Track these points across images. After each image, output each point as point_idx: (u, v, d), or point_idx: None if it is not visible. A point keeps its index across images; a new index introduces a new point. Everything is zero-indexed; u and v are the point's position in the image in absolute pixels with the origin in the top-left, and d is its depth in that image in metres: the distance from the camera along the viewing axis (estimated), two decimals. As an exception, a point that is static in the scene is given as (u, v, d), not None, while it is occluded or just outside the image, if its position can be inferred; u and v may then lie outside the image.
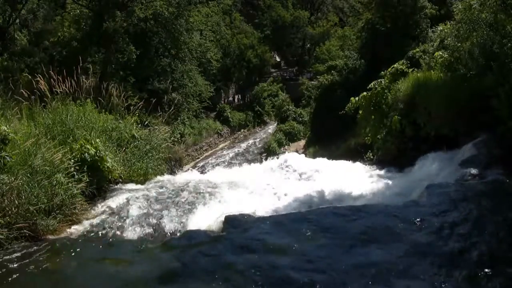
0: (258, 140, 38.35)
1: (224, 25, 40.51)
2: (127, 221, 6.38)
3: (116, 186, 7.57)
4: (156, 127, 10.09)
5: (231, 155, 33.58)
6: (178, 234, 6.05)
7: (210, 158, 32.38)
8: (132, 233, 6.14)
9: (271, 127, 41.23)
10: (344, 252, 4.61)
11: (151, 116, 11.93)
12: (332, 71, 26.45)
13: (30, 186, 5.68)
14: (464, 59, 9.15)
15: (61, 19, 22.90)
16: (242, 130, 40.69)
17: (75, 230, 6.02)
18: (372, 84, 12.73)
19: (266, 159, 14.89)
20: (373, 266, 4.24)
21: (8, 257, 4.87)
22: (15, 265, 4.70)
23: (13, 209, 5.31)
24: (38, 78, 8.10)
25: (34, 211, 5.53)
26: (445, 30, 11.82)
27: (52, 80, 8.29)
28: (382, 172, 9.67)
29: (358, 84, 17.24)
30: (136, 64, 21.56)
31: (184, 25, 24.32)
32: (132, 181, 7.91)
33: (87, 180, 6.73)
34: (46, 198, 5.79)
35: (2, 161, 5.58)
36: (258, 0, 54.22)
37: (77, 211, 6.28)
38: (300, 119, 37.11)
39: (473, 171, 6.88)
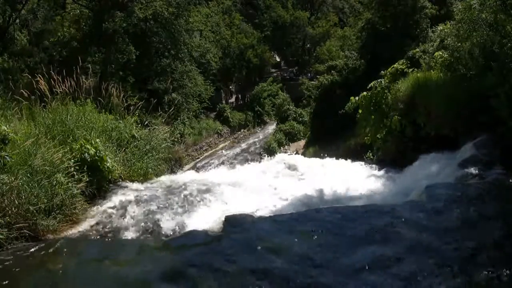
0: (258, 140, 38.34)
1: (224, 26, 40.54)
2: (127, 221, 6.38)
3: (116, 186, 7.56)
4: (156, 127, 10.08)
5: (231, 155, 33.58)
6: (178, 234, 6.05)
7: (210, 158, 32.38)
8: (132, 233, 6.14)
9: (271, 127, 41.22)
10: (343, 252, 4.60)
11: (151, 116, 11.93)
12: (332, 71, 26.48)
13: (30, 186, 5.67)
14: (464, 59, 9.14)
15: (61, 19, 22.94)
16: (242, 130, 40.70)
17: (75, 230, 6.03)
18: (372, 84, 12.73)
19: (266, 159, 14.87)
20: (373, 266, 4.24)
21: (8, 257, 4.87)
22: (15, 265, 4.70)
23: (13, 209, 5.31)
24: (38, 78, 8.10)
25: (34, 211, 5.52)
26: (445, 30, 11.81)
27: (52, 80, 8.29)
28: (382, 172, 9.67)
29: (358, 84, 17.25)
30: (136, 64, 21.60)
31: (184, 25, 24.37)
32: (132, 181, 7.90)
33: (87, 180, 6.72)
34: (46, 198, 5.79)
35: (2, 161, 5.58)
36: (258, 0, 54.22)
37: (77, 211, 6.28)
38: (300, 119, 37.13)
39: (473, 171, 6.87)
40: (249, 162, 19.91)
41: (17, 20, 21.08)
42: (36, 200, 5.62)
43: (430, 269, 4.16)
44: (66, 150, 6.81)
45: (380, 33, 23.39)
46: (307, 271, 4.25)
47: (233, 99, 44.05)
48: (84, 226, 6.14)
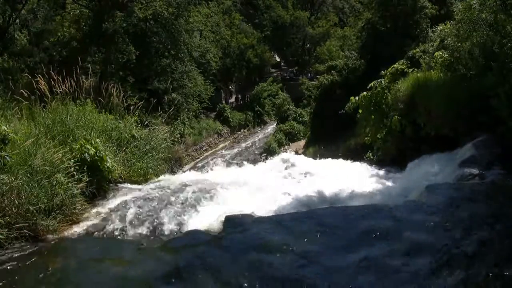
0: (258, 140, 38.36)
1: (224, 26, 40.54)
2: (127, 221, 6.38)
3: (116, 186, 7.56)
4: (156, 127, 10.08)
5: (231, 155, 33.59)
6: (178, 234, 6.05)
7: (210, 158, 32.39)
8: (132, 233, 6.14)
9: (271, 127, 41.24)
10: (344, 252, 4.61)
11: (151, 116, 11.94)
12: (332, 71, 26.48)
13: (30, 186, 5.67)
14: (464, 59, 9.15)
15: (61, 19, 22.92)
16: (242, 130, 40.70)
17: (75, 230, 6.02)
18: (372, 84, 12.75)
19: (266, 159, 14.90)
20: (373, 266, 4.24)
21: (8, 257, 4.87)
22: (15, 265, 4.70)
23: (13, 209, 5.31)
24: (38, 78, 8.10)
25: (34, 211, 5.52)
26: (445, 30, 11.83)
27: (52, 80, 8.28)
28: (382, 172, 9.68)
29: (358, 84, 17.26)
30: (135, 64, 21.58)
31: (184, 25, 24.35)
32: (132, 181, 7.90)
33: (87, 180, 6.72)
34: (46, 198, 5.78)
35: (2, 161, 5.58)
36: (258, 0, 54.22)
37: (77, 211, 6.27)
38: (300, 119, 37.11)
39: (473, 171, 6.87)
40: (249, 162, 19.93)
41: (17, 20, 21.07)
42: (36, 200, 5.62)
43: (430, 269, 4.16)
44: (66, 150, 6.81)
45: (380, 33, 23.39)
46: (307, 271, 4.25)
47: (233, 99, 44.05)
48: (84, 226, 6.14)
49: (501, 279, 3.99)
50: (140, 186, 7.75)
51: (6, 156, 5.61)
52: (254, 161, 22.86)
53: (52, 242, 5.40)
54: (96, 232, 6.06)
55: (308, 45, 53.92)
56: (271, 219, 5.81)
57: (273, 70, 54.13)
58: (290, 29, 52.34)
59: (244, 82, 45.85)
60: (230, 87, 44.77)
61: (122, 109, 9.32)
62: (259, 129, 42.65)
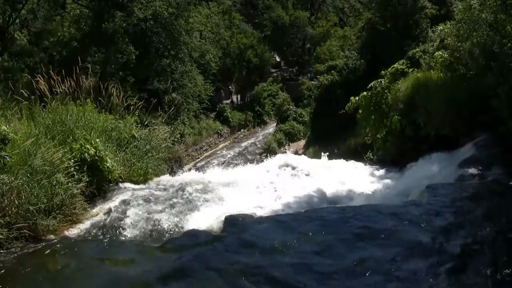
0: (258, 140, 38.36)
1: (224, 27, 40.53)
2: (127, 221, 6.38)
3: (116, 186, 7.56)
4: (156, 127, 10.08)
5: (231, 155, 33.59)
6: (178, 234, 6.05)
7: (210, 158, 32.39)
8: (132, 233, 6.14)
9: (271, 127, 41.23)
10: (344, 251, 4.61)
11: (151, 116, 11.93)
12: (332, 71, 26.47)
13: (30, 186, 5.67)
14: (464, 59, 9.16)
15: (61, 19, 22.89)
16: (242, 130, 40.69)
17: (75, 230, 6.02)
18: (372, 84, 12.75)
19: (266, 159, 14.88)
20: (372, 266, 4.24)
21: (8, 257, 4.87)
22: (15, 265, 4.69)
23: (13, 209, 5.31)
24: (38, 78, 8.09)
25: (34, 211, 5.52)
26: (445, 30, 11.82)
27: (52, 80, 8.28)
28: (382, 172, 9.68)
29: (358, 84, 17.26)
30: (135, 64, 21.53)
31: (183, 25, 24.33)
32: (132, 181, 7.90)
33: (87, 180, 6.72)
34: (46, 198, 5.78)
35: (2, 161, 5.57)
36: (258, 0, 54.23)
37: (77, 211, 6.28)
38: (300, 119, 37.08)
39: (473, 171, 6.88)
40: (249, 162, 19.92)
41: (17, 20, 21.07)
42: (36, 200, 5.62)
43: (430, 269, 4.16)
44: (66, 150, 6.81)
45: (380, 33, 23.39)
46: (307, 270, 4.25)
47: (229, 100, 44.03)
48: (84, 226, 6.14)
49: (501, 278, 3.99)
50: (140, 186, 7.75)
51: (6, 156, 5.61)
52: (255, 161, 22.85)
53: (52, 242, 5.40)
54: (96, 232, 6.06)
55: (308, 45, 53.87)
56: (271, 219, 5.81)
57: (273, 70, 54.10)
58: (290, 29, 52.31)
59: (244, 82, 45.83)
60: (230, 87, 44.76)
61: (122, 109, 9.32)
62: (259, 129, 42.65)
